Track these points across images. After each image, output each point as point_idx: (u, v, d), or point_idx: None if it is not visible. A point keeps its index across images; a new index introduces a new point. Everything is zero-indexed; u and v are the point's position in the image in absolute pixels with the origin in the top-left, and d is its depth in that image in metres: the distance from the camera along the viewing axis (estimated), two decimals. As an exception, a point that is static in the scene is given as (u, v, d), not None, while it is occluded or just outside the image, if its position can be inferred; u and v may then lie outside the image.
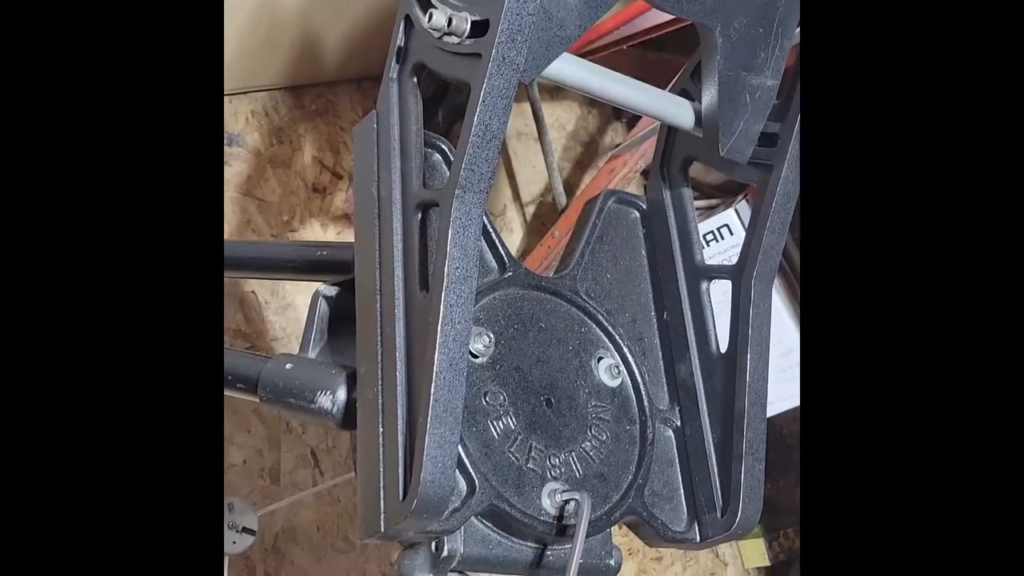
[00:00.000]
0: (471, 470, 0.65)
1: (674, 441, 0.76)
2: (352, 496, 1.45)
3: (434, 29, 0.64)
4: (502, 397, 0.69)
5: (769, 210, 0.75)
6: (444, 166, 0.72)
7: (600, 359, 0.74)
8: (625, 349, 0.76)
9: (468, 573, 0.68)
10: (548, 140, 1.64)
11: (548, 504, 0.67)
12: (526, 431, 0.69)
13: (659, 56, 1.53)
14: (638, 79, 0.74)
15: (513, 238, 1.73)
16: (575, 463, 0.70)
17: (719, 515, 0.74)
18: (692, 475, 0.76)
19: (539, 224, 1.75)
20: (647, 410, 0.74)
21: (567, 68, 0.70)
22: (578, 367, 0.73)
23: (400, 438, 0.62)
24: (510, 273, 0.74)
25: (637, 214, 0.82)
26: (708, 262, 0.80)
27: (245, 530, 1.31)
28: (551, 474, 0.68)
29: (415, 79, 0.70)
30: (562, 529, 0.67)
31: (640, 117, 1.45)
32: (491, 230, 0.73)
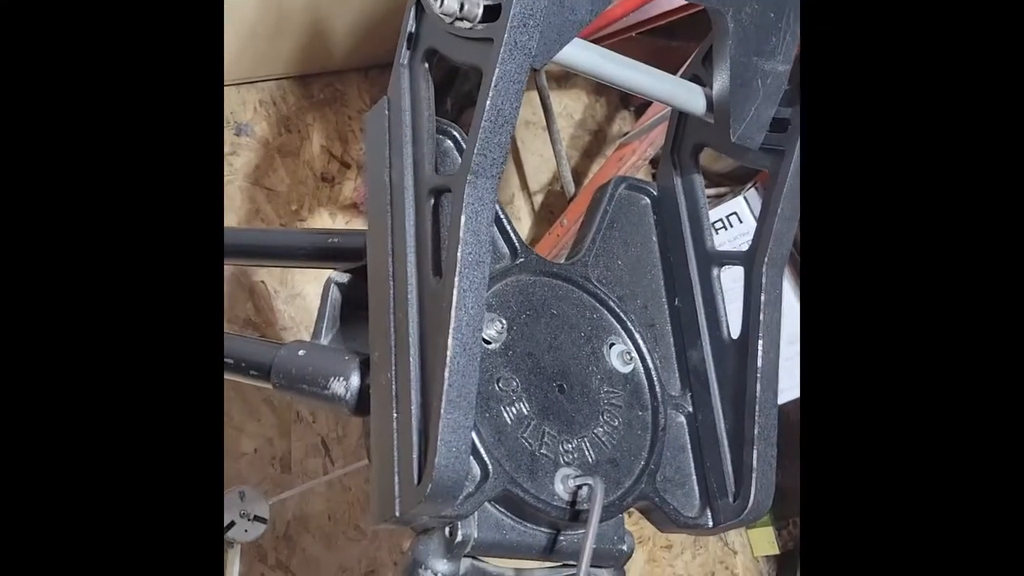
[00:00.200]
0: (484, 455, 0.65)
1: (686, 427, 0.77)
2: (363, 484, 1.45)
3: (446, 14, 0.64)
4: (515, 383, 0.69)
5: (780, 196, 0.74)
6: (456, 152, 0.72)
7: (612, 345, 0.74)
8: (637, 335, 0.76)
9: (481, 558, 0.68)
10: (556, 128, 1.64)
11: (561, 489, 0.67)
12: (539, 417, 0.69)
13: (669, 43, 1.53)
14: (648, 65, 0.74)
15: (521, 227, 1.73)
16: (588, 449, 0.70)
17: (731, 500, 0.74)
18: (704, 461, 0.75)
19: (547, 213, 1.74)
20: (659, 396, 0.74)
21: (579, 53, 0.70)
22: (590, 353, 0.73)
23: (414, 423, 0.63)
24: (522, 259, 0.74)
25: (648, 200, 0.82)
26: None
27: (257, 518, 1.32)
28: (564, 459, 0.68)
29: (426, 65, 0.70)
30: (575, 514, 0.67)
31: (648, 105, 1.45)
32: (503, 217, 0.73)
